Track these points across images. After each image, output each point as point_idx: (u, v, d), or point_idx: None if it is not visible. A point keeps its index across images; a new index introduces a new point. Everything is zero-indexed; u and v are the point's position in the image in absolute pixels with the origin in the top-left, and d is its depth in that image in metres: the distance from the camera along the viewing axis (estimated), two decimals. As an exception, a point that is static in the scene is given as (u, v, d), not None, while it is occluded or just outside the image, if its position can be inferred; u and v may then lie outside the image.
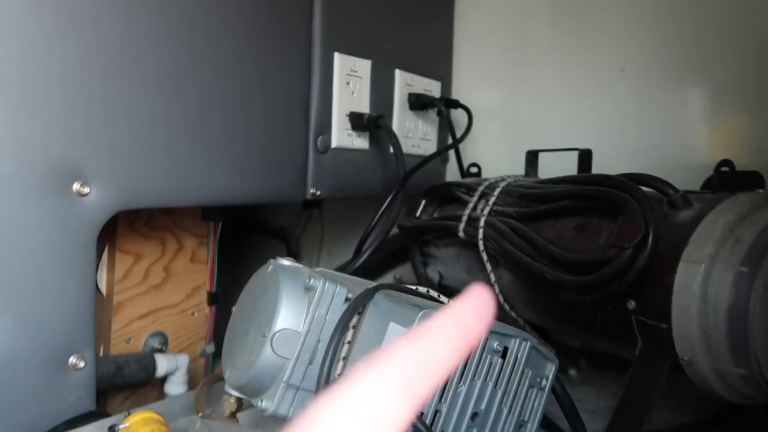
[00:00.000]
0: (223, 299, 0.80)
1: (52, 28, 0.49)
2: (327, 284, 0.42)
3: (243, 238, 1.12)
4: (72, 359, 0.53)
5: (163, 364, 0.69)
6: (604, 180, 0.52)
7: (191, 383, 0.73)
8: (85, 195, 0.52)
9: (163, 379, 0.72)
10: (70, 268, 0.52)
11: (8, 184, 0.48)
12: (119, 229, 0.69)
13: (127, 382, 0.66)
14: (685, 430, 0.55)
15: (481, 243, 0.62)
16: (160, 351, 0.73)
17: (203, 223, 0.79)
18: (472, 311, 0.18)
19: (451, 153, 0.91)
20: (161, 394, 0.73)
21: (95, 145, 0.52)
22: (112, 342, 0.69)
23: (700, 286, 0.42)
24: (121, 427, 0.47)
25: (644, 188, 0.49)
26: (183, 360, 0.72)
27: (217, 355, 0.80)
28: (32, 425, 0.50)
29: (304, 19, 0.69)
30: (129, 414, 0.47)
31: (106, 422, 0.51)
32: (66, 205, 0.51)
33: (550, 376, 0.45)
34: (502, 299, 0.63)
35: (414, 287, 0.46)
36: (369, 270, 0.67)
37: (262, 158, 0.66)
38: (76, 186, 0.51)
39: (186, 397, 0.64)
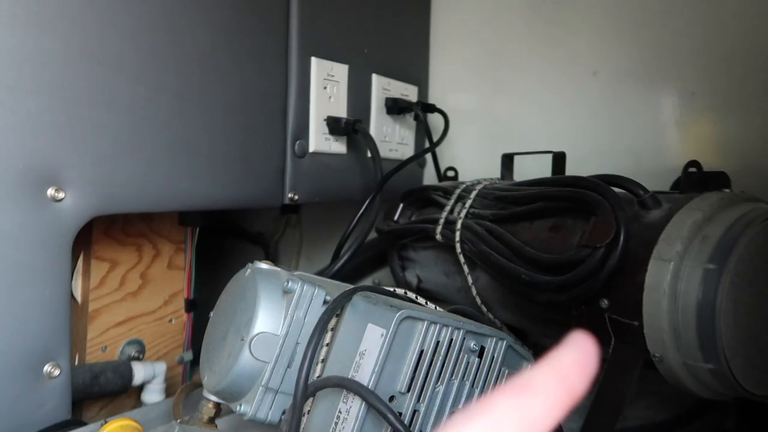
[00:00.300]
0: (201, 306, 0.80)
1: (26, 30, 0.48)
2: (305, 287, 0.42)
3: (221, 244, 1.11)
4: (47, 367, 0.52)
5: (140, 372, 0.68)
6: (577, 181, 0.53)
7: (169, 391, 0.72)
8: (60, 200, 0.51)
9: (141, 388, 0.71)
10: (44, 275, 0.51)
11: (-20, 191, 0.47)
12: (95, 235, 0.68)
13: (103, 391, 0.65)
14: (658, 427, 0.56)
15: (458, 245, 0.63)
16: (137, 359, 0.72)
17: (180, 229, 0.78)
18: (575, 363, 0.18)
19: (429, 157, 0.92)
20: (138, 403, 0.72)
21: (70, 150, 0.52)
22: (88, 350, 0.68)
23: (669, 284, 0.43)
24: (97, 435, 0.46)
25: (616, 189, 0.50)
26: (160, 368, 0.71)
27: (195, 362, 0.79)
28: (6, 435, 0.49)
29: (282, 23, 0.69)
30: (106, 422, 0.47)
31: (83, 431, 0.51)
32: (40, 210, 0.50)
33: (527, 375, 0.45)
34: (479, 301, 0.64)
35: (392, 289, 0.46)
36: (347, 275, 0.67)
37: (240, 163, 0.66)
38: (50, 191, 0.51)
39: (164, 405, 0.63)
